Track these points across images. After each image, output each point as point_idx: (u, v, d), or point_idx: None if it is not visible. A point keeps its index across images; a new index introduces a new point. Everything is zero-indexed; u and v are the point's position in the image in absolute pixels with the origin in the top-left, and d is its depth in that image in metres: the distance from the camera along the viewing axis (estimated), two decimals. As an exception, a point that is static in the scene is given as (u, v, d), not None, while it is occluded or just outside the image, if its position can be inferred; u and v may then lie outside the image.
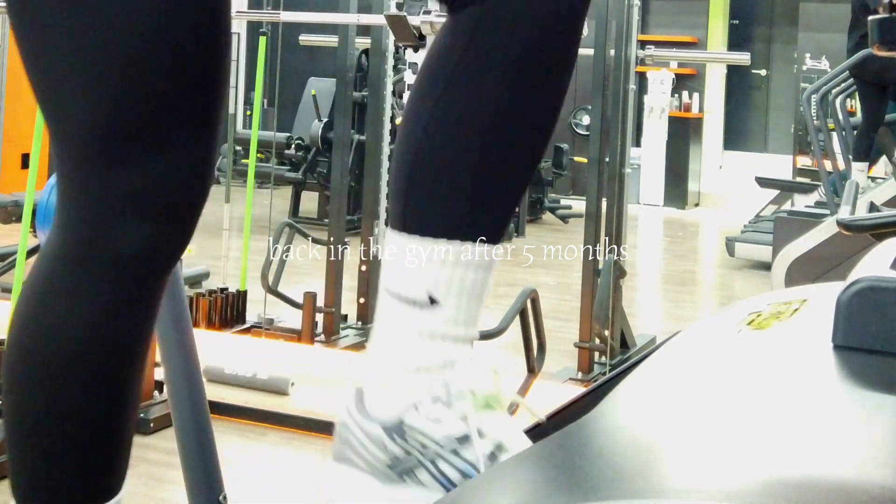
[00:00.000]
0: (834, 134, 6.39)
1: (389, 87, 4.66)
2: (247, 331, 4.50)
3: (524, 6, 0.89)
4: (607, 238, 4.28)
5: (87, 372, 0.93)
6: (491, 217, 0.91)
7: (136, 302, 0.93)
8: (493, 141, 0.90)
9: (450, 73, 0.90)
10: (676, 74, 10.77)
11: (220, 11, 0.93)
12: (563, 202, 9.19)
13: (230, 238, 5.10)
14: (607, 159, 4.25)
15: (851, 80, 6.23)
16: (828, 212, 5.59)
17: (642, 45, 4.43)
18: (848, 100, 6.61)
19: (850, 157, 6.20)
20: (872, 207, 4.51)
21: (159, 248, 0.91)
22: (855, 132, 6.35)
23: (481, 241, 0.89)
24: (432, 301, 0.89)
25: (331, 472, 0.95)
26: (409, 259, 0.89)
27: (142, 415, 3.18)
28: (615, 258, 4.14)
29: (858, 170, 6.06)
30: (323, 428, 3.29)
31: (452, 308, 0.89)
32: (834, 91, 6.29)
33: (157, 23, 0.87)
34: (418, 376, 0.89)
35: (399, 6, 4.20)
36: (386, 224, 5.16)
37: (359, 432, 0.92)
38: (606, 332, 4.02)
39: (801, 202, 7.32)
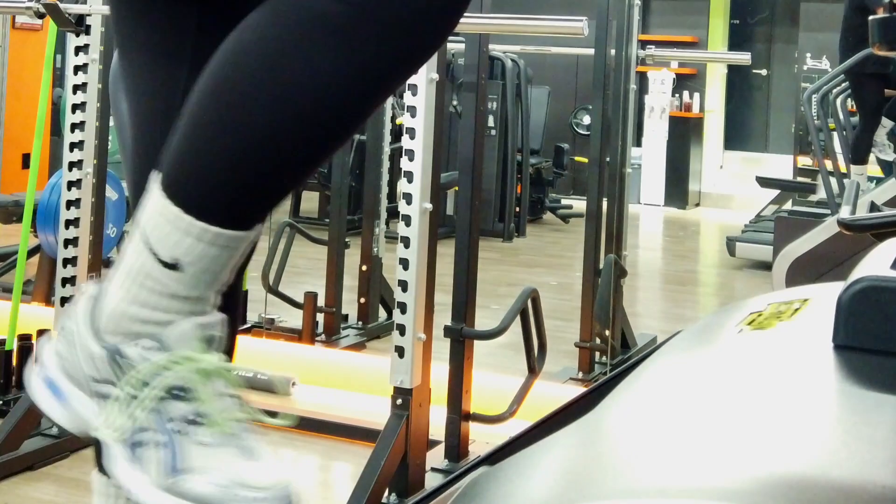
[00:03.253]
0: (835, 134, 6.38)
1: (390, 87, 4.65)
2: (248, 331, 4.49)
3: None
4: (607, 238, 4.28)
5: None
6: (251, 207, 0.93)
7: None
8: (260, 138, 0.91)
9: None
10: (677, 74, 10.76)
11: None
12: (564, 202, 9.19)
13: (231, 238, 5.09)
14: (608, 159, 4.25)
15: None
16: (828, 212, 5.59)
17: (643, 44, 4.43)
18: (848, 100, 6.60)
19: (849, 159, 6.19)
20: (873, 207, 4.50)
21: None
22: (854, 134, 6.34)
23: (234, 227, 0.92)
24: (175, 265, 0.92)
25: (42, 359, 0.99)
26: (165, 220, 0.92)
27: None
28: (616, 258, 4.14)
29: (857, 173, 6.05)
30: (324, 428, 3.29)
31: (190, 277, 0.92)
32: (835, 91, 6.29)
33: None
34: (146, 323, 0.93)
35: (400, 6, 4.20)
36: (387, 224, 5.15)
37: (80, 340, 0.96)
38: (607, 332, 4.02)
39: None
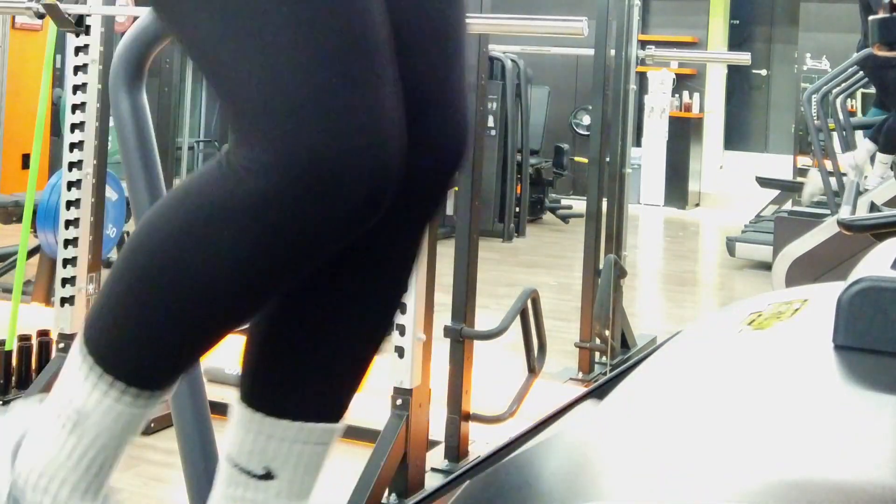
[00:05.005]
0: (834, 134, 6.38)
1: (390, 87, 4.65)
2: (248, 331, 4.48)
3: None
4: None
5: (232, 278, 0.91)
6: (331, 400, 0.97)
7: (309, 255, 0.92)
8: (335, 341, 0.96)
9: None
10: (677, 74, 10.76)
11: None
12: (564, 202, 9.19)
13: (231, 238, 5.09)
14: (608, 159, 4.25)
15: (852, 79, 6.20)
16: (828, 212, 5.59)
17: (643, 45, 4.43)
18: (849, 100, 6.60)
19: (877, 148, 6.09)
20: (873, 207, 4.51)
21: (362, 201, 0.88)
22: (881, 127, 6.22)
23: (322, 420, 0.94)
24: (268, 475, 0.93)
25: None
26: (252, 433, 0.94)
27: (142, 415, 3.17)
28: (615, 258, 4.14)
29: (883, 162, 5.96)
30: (323, 428, 3.28)
31: (286, 481, 0.93)
32: (834, 91, 6.28)
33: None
34: None
35: (399, 6, 4.20)
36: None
37: None
38: (607, 332, 4.02)
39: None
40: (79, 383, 0.92)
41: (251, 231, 0.86)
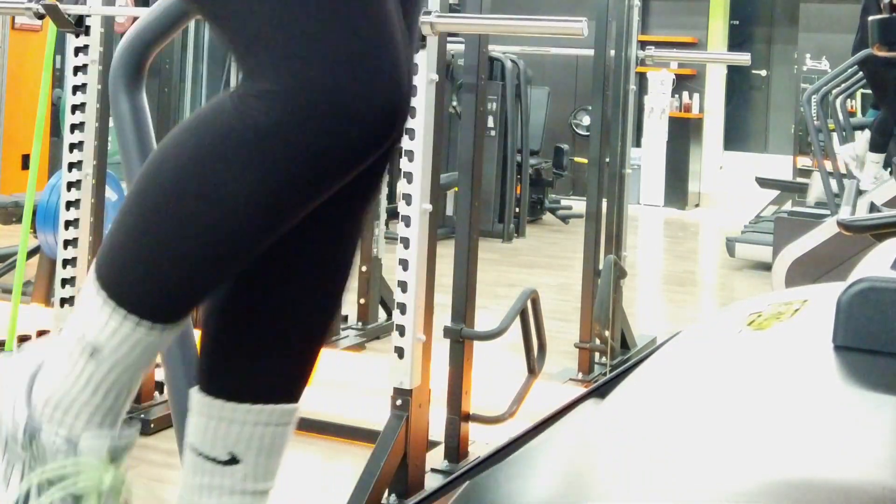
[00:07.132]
0: (834, 134, 6.38)
1: (390, 88, 4.65)
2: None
3: None
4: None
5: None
6: (288, 380, 0.98)
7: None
8: (289, 321, 0.97)
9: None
10: (677, 75, 10.76)
11: None
12: (564, 203, 9.19)
13: (230, 239, 5.09)
14: (607, 160, 4.25)
15: (852, 80, 6.21)
16: (828, 212, 5.59)
17: (642, 45, 4.43)
18: (848, 100, 6.60)
19: (868, 148, 6.11)
20: (873, 207, 4.51)
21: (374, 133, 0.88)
22: (872, 124, 6.25)
23: (280, 401, 0.96)
24: (233, 460, 0.94)
25: None
26: (213, 420, 0.95)
27: (142, 415, 3.18)
28: (615, 258, 4.14)
29: (874, 161, 5.99)
30: (323, 428, 3.28)
31: (251, 464, 0.94)
32: (834, 91, 6.28)
33: None
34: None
35: (399, 7, 4.19)
36: (386, 225, 5.15)
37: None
38: (607, 333, 4.02)
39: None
40: (93, 316, 0.92)
41: (260, 161, 0.86)
